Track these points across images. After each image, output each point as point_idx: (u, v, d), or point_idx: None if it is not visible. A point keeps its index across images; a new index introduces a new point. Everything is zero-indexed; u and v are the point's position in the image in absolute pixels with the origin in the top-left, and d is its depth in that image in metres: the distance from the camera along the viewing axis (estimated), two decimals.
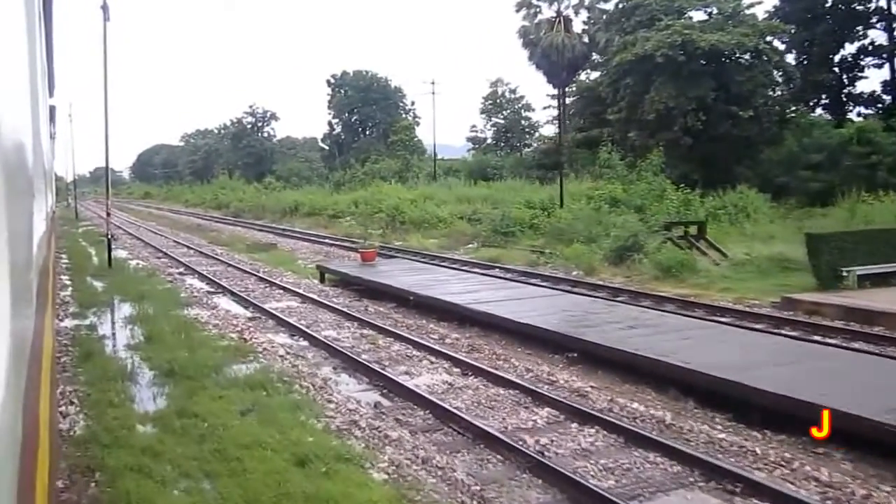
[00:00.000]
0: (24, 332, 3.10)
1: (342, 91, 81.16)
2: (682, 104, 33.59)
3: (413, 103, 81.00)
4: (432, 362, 8.28)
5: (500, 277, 14.28)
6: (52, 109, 25.28)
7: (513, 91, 63.26)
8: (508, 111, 63.71)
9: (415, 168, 57.12)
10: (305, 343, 9.51)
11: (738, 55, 34.57)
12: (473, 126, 64.90)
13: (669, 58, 33.04)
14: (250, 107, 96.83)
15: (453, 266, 17.24)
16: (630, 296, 12.48)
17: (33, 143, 5.26)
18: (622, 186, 25.06)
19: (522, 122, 63.36)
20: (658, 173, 26.62)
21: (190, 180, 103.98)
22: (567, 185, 31.76)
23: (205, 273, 16.65)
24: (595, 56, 48.39)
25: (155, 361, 8.23)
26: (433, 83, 51.15)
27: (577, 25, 47.66)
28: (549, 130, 58.24)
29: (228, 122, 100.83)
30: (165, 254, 21.56)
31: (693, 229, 16.91)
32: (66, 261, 19.87)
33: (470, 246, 22.39)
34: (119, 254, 20.51)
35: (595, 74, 50.71)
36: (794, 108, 41.19)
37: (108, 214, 17.72)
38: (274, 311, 11.54)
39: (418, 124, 74.22)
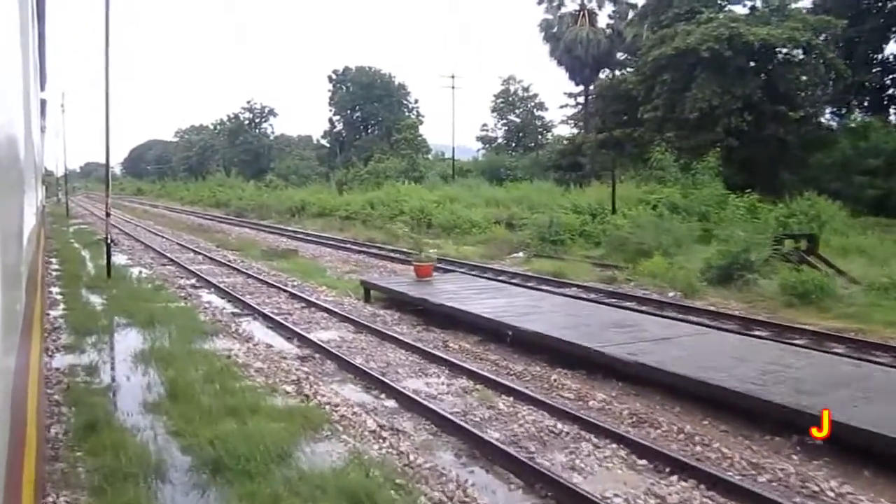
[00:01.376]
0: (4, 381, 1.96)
1: (344, 87, 78.70)
2: (726, 103, 31.14)
3: (416, 101, 78.74)
4: (597, 446, 5.66)
5: (599, 302, 11.66)
6: (42, 103, 23.67)
7: (526, 89, 60.83)
8: (521, 110, 61.23)
9: (421, 167, 54.63)
10: (392, 403, 6.87)
11: (787, 51, 32.20)
12: (484, 125, 62.38)
13: (715, 52, 30.59)
14: (248, 102, 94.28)
15: (514, 281, 14.66)
16: (773, 330, 9.92)
17: (24, 137, 4.89)
18: (681, 191, 22.57)
19: (536, 121, 60.89)
20: (715, 177, 24.20)
21: (184, 177, 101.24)
22: (601, 189, 29.32)
23: (223, 287, 13.97)
24: (620, 54, 45.99)
25: (190, 439, 5.59)
26: (452, 77, 48.36)
27: (602, 20, 45.25)
28: (565, 130, 55.85)
29: (225, 118, 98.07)
30: (171, 260, 18.85)
31: (802, 243, 14.39)
32: (57, 267, 17.13)
33: (517, 256, 19.79)
34: (118, 259, 17.79)
35: (614, 72, 48.31)
36: (833, 110, 39.06)
37: (108, 214, 14.96)
38: (328, 347, 8.91)
39: (422, 122, 71.81)
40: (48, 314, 10.94)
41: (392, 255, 19.99)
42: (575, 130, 53.62)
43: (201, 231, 29.95)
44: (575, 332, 8.38)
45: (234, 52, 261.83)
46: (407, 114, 76.18)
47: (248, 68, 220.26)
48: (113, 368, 7.98)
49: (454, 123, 58.34)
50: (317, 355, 8.68)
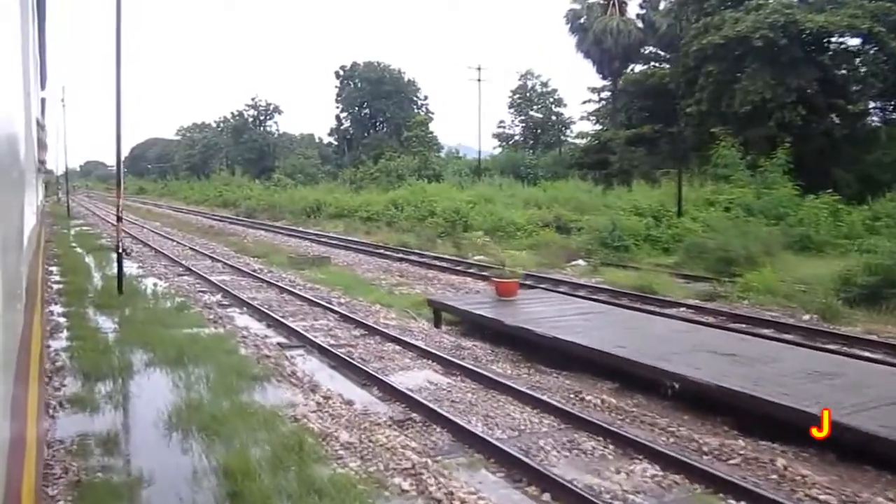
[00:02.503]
0: None
1: (352, 83, 76.45)
2: (779, 96, 28.79)
3: (426, 98, 76.52)
4: None
5: (735, 331, 9.30)
6: (42, 102, 22.47)
7: (545, 84, 58.48)
8: (539, 106, 58.91)
9: (434, 165, 52.38)
10: None
11: (842, 40, 29.91)
12: (501, 121, 59.96)
13: (769, 41, 28.25)
14: (252, 99, 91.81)
15: (599, 297, 12.37)
16: None
17: (25, 136, 4.82)
18: (754, 191, 20.29)
19: (554, 117, 58.55)
20: (783, 175, 21.92)
21: (186, 175, 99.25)
22: (648, 188, 27.12)
23: (257, 305, 11.68)
24: (648, 48, 43.65)
25: None
26: (479, 69, 45.99)
27: (632, 9, 42.91)
28: (586, 127, 53.47)
29: (229, 115, 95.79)
30: (188, 269, 16.55)
31: None
32: (59, 278, 14.86)
33: (578, 264, 17.50)
34: (127, 268, 15.53)
35: (640, 67, 45.87)
36: (877, 105, 36.67)
37: (120, 219, 12.57)
38: (423, 400, 6.63)
39: (431, 119, 69.46)
40: (49, 346, 8.68)
41: (436, 263, 17.70)
42: (597, 127, 51.32)
43: (214, 234, 27.66)
44: (775, 386, 6.08)
45: (235, 50, 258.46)
46: (416, 110, 74.05)
47: (250, 65, 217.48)
48: (139, 442, 5.69)
49: (480, 118, 54.98)
50: (415, 415, 6.38)
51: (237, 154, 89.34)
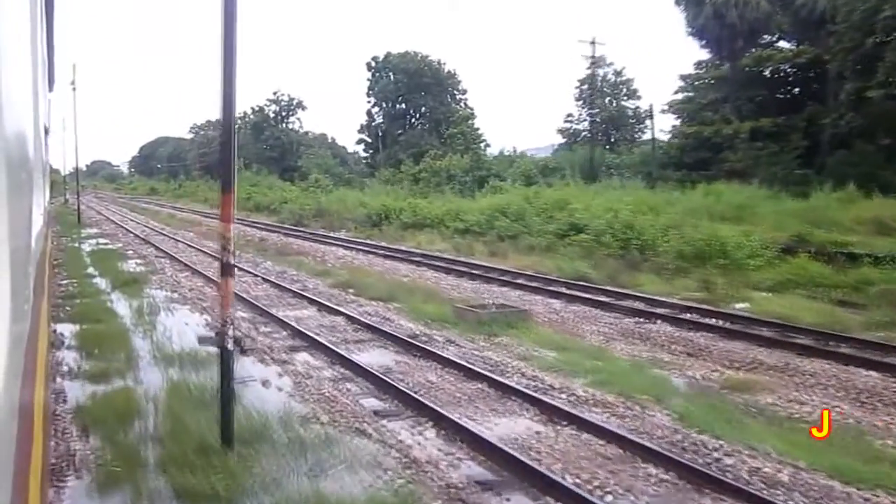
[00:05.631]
0: None
1: (386, 75, 69.53)
2: None
3: (465, 91, 69.65)
4: None
5: None
6: (49, 103, 18.35)
7: (618, 73, 51.45)
8: (610, 98, 51.91)
9: (488, 165, 45.54)
10: None
11: None
12: (569, 115, 52.76)
13: None
14: (274, 94, 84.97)
15: None
16: None
17: (34, 137, 4.47)
18: None
19: (630, 111, 51.52)
20: None
21: (199, 175, 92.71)
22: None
23: (561, 480, 4.68)
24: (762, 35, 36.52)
25: None
26: (593, 43, 38.90)
27: None
28: (670, 120, 46.35)
29: (249, 111, 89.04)
30: (295, 332, 9.54)
31: None
32: (76, 361, 7.90)
33: None
34: (194, 325, 8.67)
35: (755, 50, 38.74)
36: None
37: (230, 272, 5.36)
38: None
39: (475, 116, 62.52)
40: None
41: (724, 325, 10.61)
42: (680, 121, 44.13)
43: (275, 252, 20.65)
44: None
45: (249, 46, 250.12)
46: (455, 106, 67.32)
47: (263, 62, 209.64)
48: None
49: (591, 104, 46.95)
50: None
51: (257, 152, 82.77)
